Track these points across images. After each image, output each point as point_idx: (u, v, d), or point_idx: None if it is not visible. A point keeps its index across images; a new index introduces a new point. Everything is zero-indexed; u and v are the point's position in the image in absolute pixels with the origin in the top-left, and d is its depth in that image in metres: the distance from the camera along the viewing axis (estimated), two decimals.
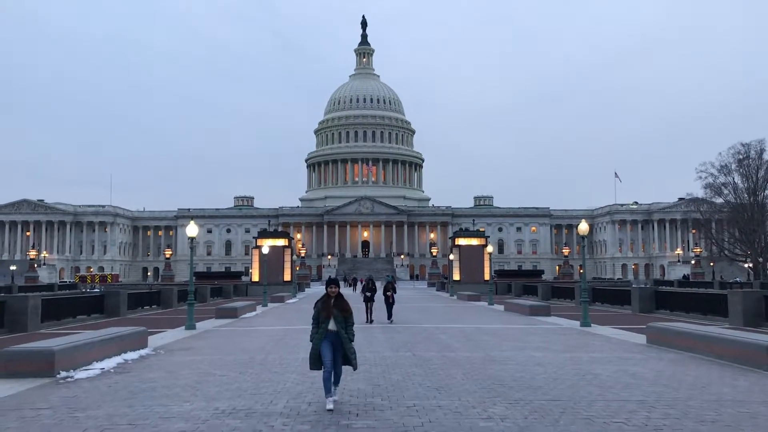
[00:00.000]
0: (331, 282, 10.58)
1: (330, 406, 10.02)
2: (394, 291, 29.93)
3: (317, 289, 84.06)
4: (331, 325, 10.26)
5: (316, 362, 10.30)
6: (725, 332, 17.05)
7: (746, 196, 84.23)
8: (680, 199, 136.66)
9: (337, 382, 10.51)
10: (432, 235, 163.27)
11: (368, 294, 28.88)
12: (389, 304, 29.01)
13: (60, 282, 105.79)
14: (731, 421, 9.17)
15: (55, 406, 10.44)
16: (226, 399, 10.96)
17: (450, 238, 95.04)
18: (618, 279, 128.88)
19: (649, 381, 12.57)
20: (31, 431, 8.73)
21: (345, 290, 9.07)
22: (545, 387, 11.95)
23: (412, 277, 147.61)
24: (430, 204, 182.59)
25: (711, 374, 13.42)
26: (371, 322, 27.29)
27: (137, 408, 10.23)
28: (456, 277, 72.83)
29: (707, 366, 14.52)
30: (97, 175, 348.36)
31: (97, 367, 14.33)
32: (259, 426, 8.99)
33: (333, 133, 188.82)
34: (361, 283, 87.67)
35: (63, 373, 13.38)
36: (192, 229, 26.60)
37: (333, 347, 10.24)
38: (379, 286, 34.45)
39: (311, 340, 10.43)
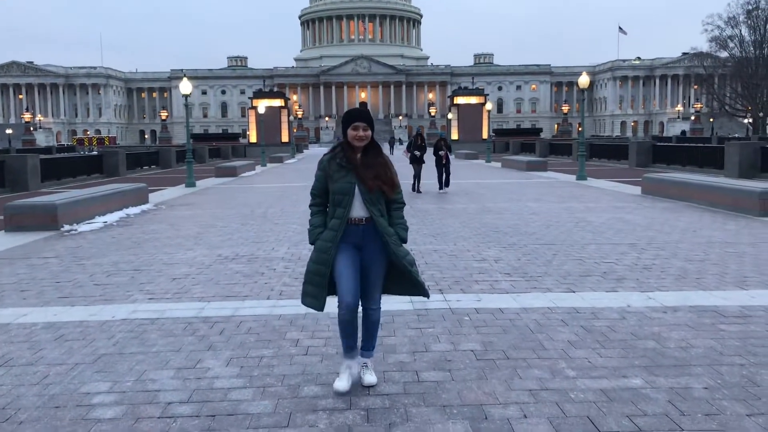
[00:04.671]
0: (357, 116, 4.75)
1: (342, 384, 4.78)
2: (449, 150, 22.36)
3: (316, 151, 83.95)
4: (357, 210, 4.68)
5: (322, 289, 4.71)
6: (719, 180, 17.23)
7: (752, 49, 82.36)
8: (684, 54, 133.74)
9: (373, 335, 4.98)
10: (431, 95, 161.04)
11: (417, 153, 21.88)
12: (442, 166, 21.59)
13: (57, 145, 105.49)
14: (718, 260, 9.46)
15: (61, 255, 10.72)
16: (229, 247, 11.23)
17: (449, 96, 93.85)
18: (617, 136, 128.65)
19: (642, 227, 12.85)
20: (40, 276, 9.00)
21: None
22: (539, 233, 12.23)
23: (409, 138, 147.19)
24: (429, 63, 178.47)
25: (703, 220, 13.71)
26: (419, 191, 21.24)
27: (141, 256, 10.51)
28: (454, 136, 72.61)
29: (700, 213, 14.81)
30: (87, 34, 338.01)
31: (100, 221, 14.59)
32: (262, 269, 9.27)
33: None
34: None
35: (67, 227, 13.64)
36: (185, 86, 26.16)
37: (362, 259, 4.75)
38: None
39: (311, 240, 4.81)
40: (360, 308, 4.82)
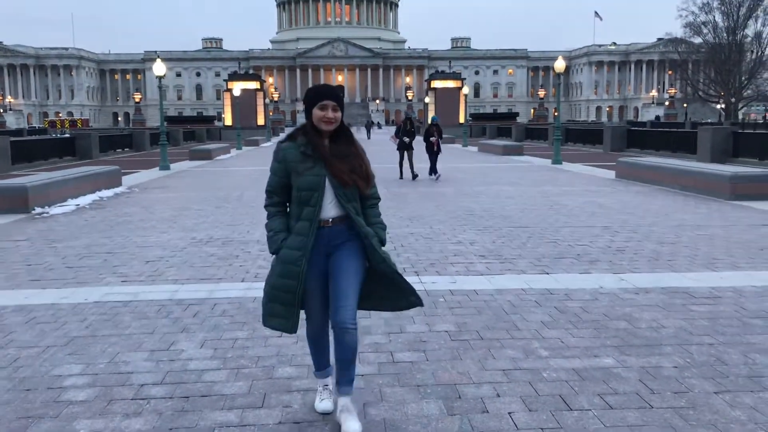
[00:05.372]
0: (325, 93, 3.85)
1: (325, 405, 4.13)
2: (440, 136, 20.62)
3: None
4: (329, 209, 3.83)
5: (293, 308, 3.89)
6: (691, 164, 17.46)
7: (725, 35, 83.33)
8: (659, 39, 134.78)
9: (349, 365, 3.91)
10: (408, 79, 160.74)
11: (406, 139, 20.28)
12: (432, 153, 20.27)
13: (28, 127, 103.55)
14: (689, 242, 9.60)
15: (32, 237, 10.56)
16: (203, 230, 11.14)
17: (426, 80, 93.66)
18: (592, 121, 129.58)
19: (616, 210, 12.98)
20: (10, 259, 8.86)
21: None
22: (514, 216, 12.31)
23: (387, 122, 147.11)
24: (406, 46, 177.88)
25: (675, 203, 13.89)
26: (414, 176, 19.77)
27: (115, 238, 10.39)
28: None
29: (673, 196, 15.00)
30: (57, 13, 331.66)
31: (72, 204, 14.39)
32: (236, 252, 9.22)
33: None
34: None
35: (38, 209, 13.43)
36: (159, 68, 25.78)
37: (330, 267, 3.89)
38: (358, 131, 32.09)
39: (273, 249, 3.92)
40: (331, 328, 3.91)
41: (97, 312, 6.37)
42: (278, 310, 3.88)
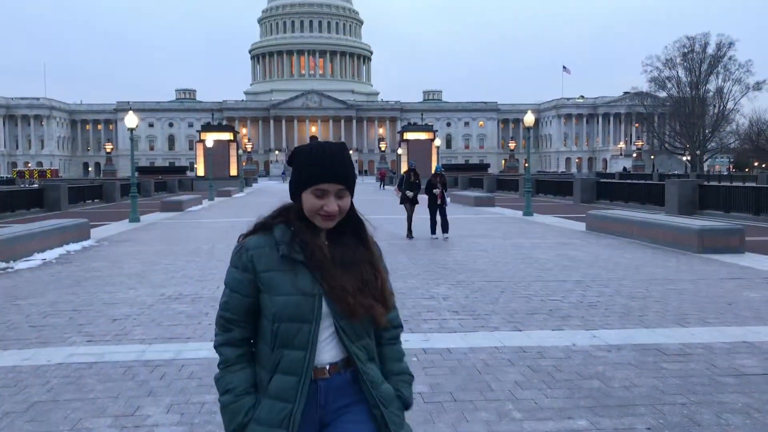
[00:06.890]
0: (329, 169, 2.30)
1: None
2: (445, 188, 18.47)
3: (266, 184, 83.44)
4: (326, 350, 2.29)
5: None
6: (660, 218, 17.74)
7: (688, 90, 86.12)
8: (625, 93, 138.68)
9: None
10: (381, 130, 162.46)
11: (410, 193, 18.32)
12: (436, 206, 18.20)
13: None
14: (660, 297, 9.67)
15: None
16: (172, 286, 10.97)
17: (398, 132, 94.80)
18: (562, 172, 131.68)
19: (587, 264, 13.08)
20: None
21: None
22: (487, 270, 12.33)
23: (360, 173, 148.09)
24: (379, 98, 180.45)
25: (645, 257, 14.04)
26: (412, 236, 17.99)
27: (81, 295, 10.17)
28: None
29: (642, 250, 15.18)
30: (29, 64, 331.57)
31: (38, 258, 14.12)
32: (206, 309, 9.07)
33: (278, 23, 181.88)
34: None
35: (3, 264, 13.14)
36: (131, 120, 25.73)
37: None
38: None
39: (232, 426, 2.26)
40: None
41: (60, 375, 6.17)
42: None
